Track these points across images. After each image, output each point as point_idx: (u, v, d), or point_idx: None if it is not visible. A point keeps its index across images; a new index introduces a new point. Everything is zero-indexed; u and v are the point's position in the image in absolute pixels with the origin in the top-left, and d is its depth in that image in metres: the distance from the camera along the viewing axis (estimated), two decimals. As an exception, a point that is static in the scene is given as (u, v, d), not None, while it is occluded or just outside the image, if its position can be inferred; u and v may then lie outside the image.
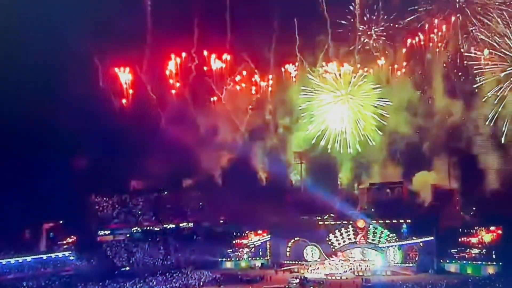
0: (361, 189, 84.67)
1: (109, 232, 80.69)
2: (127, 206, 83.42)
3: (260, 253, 77.59)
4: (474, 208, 77.87)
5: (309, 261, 73.90)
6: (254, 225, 78.10)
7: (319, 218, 77.60)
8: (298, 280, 66.53)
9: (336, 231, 74.18)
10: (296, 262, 74.13)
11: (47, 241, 75.99)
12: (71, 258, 73.90)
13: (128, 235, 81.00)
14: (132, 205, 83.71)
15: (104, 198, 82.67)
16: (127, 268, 74.80)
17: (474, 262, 66.45)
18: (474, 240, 67.67)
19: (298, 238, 74.91)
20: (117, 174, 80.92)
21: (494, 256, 65.02)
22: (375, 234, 72.06)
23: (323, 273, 70.40)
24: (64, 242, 76.49)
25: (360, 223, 73.36)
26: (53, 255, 72.98)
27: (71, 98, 71.58)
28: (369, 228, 72.53)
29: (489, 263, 65.26)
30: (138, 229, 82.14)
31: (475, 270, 65.81)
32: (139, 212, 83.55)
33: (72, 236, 77.26)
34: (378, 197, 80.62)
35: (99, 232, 79.97)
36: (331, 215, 77.43)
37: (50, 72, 71.11)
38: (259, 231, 77.42)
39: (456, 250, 68.03)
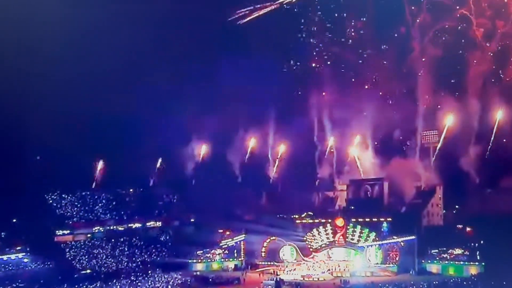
0: (340, 185, 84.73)
1: (68, 231, 78.10)
2: (88, 204, 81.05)
3: (234, 254, 76.29)
4: (456, 207, 79.00)
5: (285, 261, 73.31)
6: (227, 224, 76.91)
7: (297, 216, 76.89)
8: (273, 282, 65.34)
9: (314, 230, 73.81)
10: (272, 263, 73.38)
11: (-2, 242, 72.85)
12: (25, 260, 71.66)
13: (89, 235, 78.75)
14: (93, 202, 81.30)
15: (63, 195, 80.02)
16: (88, 271, 72.53)
17: (456, 262, 66.82)
18: (456, 239, 68.35)
19: (274, 238, 74.12)
20: (77, 169, 78.75)
21: (478, 257, 65.56)
22: (354, 233, 71.84)
23: (299, 274, 69.70)
24: (18, 243, 73.45)
25: (339, 222, 73.06)
26: (4, 257, 70.70)
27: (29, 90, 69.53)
28: (348, 227, 72.30)
29: (471, 263, 65.74)
30: (100, 228, 79.89)
31: (457, 271, 66.07)
32: (101, 210, 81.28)
33: (26, 237, 74.32)
34: (357, 194, 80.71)
35: (57, 232, 77.21)
36: (309, 213, 76.79)
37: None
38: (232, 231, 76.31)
39: (437, 250, 68.33)
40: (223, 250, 76.26)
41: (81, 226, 79.22)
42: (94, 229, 79.74)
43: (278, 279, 66.67)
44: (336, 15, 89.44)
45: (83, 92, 77.25)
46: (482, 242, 66.32)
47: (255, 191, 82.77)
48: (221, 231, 77.24)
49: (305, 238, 74.03)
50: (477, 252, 65.95)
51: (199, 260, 76.10)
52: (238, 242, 76.33)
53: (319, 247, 73.47)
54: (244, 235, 76.30)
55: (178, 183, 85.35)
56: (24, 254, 72.11)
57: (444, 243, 68.53)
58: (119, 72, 79.40)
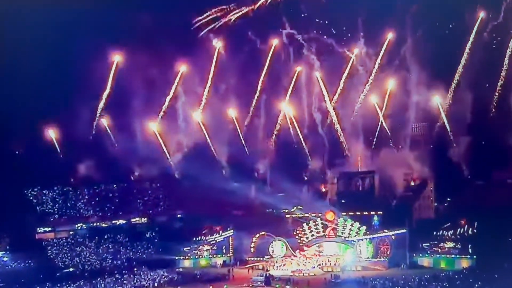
0: (330, 179, 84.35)
1: (49, 229, 76.55)
2: (70, 200, 79.41)
3: (223, 250, 75.38)
4: (448, 200, 79.22)
5: (275, 257, 72.50)
6: (215, 220, 76.04)
7: (286, 210, 76.29)
8: (263, 278, 64.95)
9: (304, 224, 73.35)
10: (261, 259, 72.62)
11: (-24, 240, 71.07)
12: (5, 259, 70.28)
13: (71, 232, 77.16)
14: (75, 198, 79.75)
15: (44, 190, 78.33)
16: (71, 269, 71.08)
17: (447, 256, 67.01)
18: (448, 232, 68.26)
19: (263, 233, 73.29)
20: (58, 162, 77.26)
21: (470, 250, 65.80)
22: (344, 227, 71.54)
23: (289, 269, 69.33)
24: (-4, 241, 71.91)
25: (330, 216, 72.63)
26: (-18, 256, 68.71)
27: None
28: (338, 221, 71.99)
29: (463, 256, 66.03)
30: (83, 225, 78.37)
31: (449, 264, 66.42)
32: (84, 206, 79.78)
33: (5, 234, 72.66)
34: (348, 188, 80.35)
35: (38, 229, 75.73)
36: (299, 207, 76.27)
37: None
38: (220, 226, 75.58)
39: (429, 244, 68.37)
40: (211, 246, 75.18)
41: (63, 223, 77.67)
42: (76, 226, 78.10)
43: (267, 275, 66.14)
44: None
45: (62, 84, 75.11)
46: (473, 235, 66.62)
47: (245, 185, 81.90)
48: (208, 226, 76.18)
49: (295, 233, 73.36)
50: (469, 245, 66.14)
51: (187, 257, 74.94)
52: (227, 238, 75.42)
53: (309, 242, 72.86)
54: (232, 231, 75.54)
55: (164, 177, 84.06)
56: (3, 252, 70.67)
57: (435, 236, 68.60)
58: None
